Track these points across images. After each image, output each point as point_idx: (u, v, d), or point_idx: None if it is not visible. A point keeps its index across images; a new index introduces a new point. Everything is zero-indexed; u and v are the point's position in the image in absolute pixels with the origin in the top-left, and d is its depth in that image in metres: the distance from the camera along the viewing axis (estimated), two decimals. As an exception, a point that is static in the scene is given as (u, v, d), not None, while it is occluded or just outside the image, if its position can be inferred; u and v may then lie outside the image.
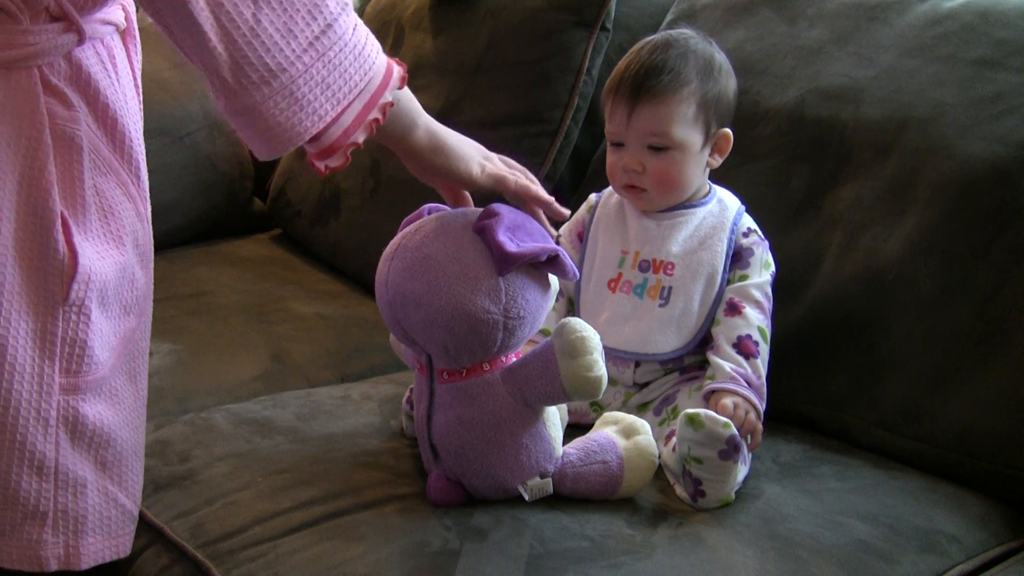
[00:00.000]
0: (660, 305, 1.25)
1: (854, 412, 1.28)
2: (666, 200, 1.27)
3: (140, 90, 1.05)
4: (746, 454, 1.13)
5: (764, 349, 1.21)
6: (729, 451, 1.06)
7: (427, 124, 1.06)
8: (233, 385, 1.46)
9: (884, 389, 1.26)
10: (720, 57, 1.28)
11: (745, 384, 1.17)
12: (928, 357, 1.23)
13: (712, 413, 1.07)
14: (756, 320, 1.22)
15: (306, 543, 1.01)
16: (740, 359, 1.19)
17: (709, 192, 1.30)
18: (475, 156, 1.10)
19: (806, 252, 1.35)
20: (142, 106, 1.06)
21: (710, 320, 1.24)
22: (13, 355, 0.92)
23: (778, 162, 1.42)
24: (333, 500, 1.08)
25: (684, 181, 1.26)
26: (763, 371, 1.19)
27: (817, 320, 1.32)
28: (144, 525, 1.09)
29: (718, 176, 1.35)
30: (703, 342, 1.25)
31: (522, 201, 1.13)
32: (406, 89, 1.02)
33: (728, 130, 1.28)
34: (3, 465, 0.93)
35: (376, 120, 0.97)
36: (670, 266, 1.26)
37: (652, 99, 1.23)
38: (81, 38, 0.93)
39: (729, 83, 1.28)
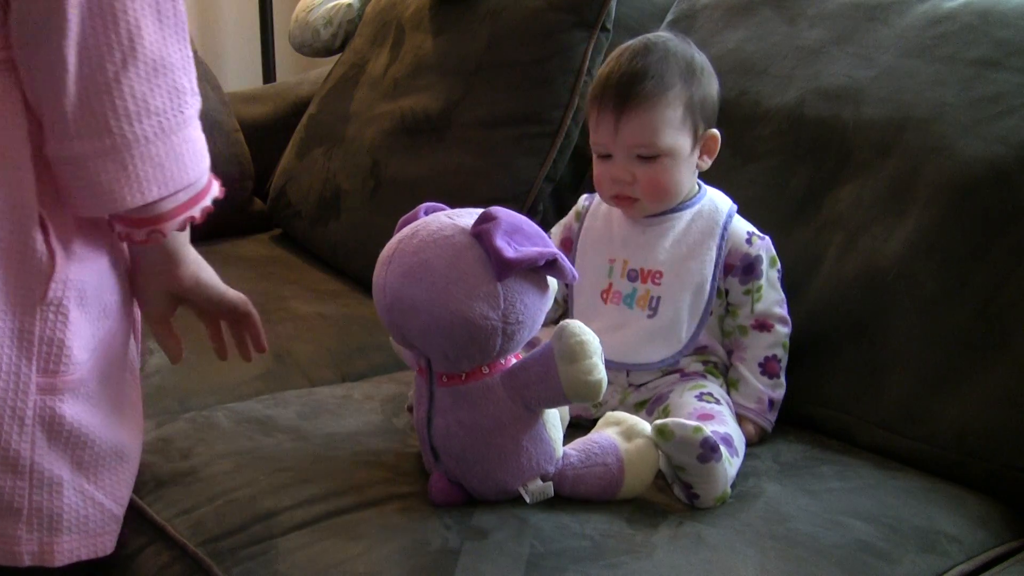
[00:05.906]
0: (648, 316, 1.25)
1: (854, 412, 1.28)
2: (658, 206, 1.27)
3: None
4: (737, 447, 1.13)
5: (785, 357, 1.27)
6: (706, 454, 1.06)
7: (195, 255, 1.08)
8: (234, 384, 1.46)
9: (884, 389, 1.26)
10: (700, 58, 1.28)
11: (767, 406, 1.26)
12: (928, 357, 1.23)
13: (681, 421, 1.07)
14: (783, 336, 1.27)
15: (306, 541, 1.01)
16: (765, 381, 1.26)
17: (698, 192, 1.30)
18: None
19: (806, 252, 1.36)
20: None
21: (700, 329, 1.24)
22: None
23: (778, 162, 1.42)
24: (334, 499, 1.08)
25: (675, 187, 1.26)
26: (783, 376, 1.28)
27: (817, 320, 1.32)
28: (144, 522, 1.09)
29: (718, 177, 1.35)
30: (696, 349, 1.26)
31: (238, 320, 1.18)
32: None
33: (715, 131, 1.28)
34: None
35: (192, 218, 0.98)
36: (658, 275, 1.26)
37: (638, 107, 1.22)
38: None
39: (712, 84, 1.28)
